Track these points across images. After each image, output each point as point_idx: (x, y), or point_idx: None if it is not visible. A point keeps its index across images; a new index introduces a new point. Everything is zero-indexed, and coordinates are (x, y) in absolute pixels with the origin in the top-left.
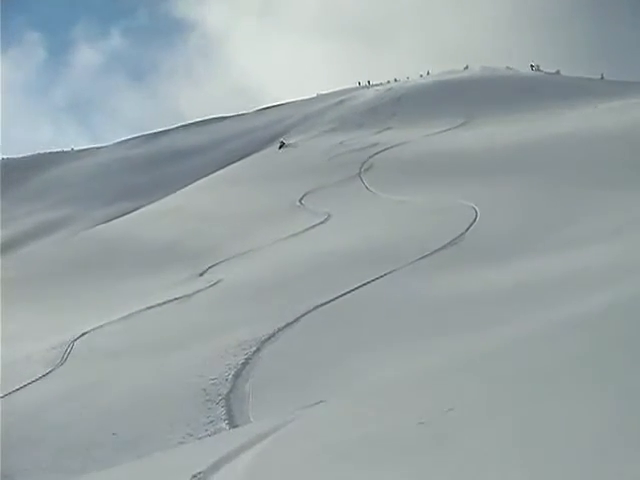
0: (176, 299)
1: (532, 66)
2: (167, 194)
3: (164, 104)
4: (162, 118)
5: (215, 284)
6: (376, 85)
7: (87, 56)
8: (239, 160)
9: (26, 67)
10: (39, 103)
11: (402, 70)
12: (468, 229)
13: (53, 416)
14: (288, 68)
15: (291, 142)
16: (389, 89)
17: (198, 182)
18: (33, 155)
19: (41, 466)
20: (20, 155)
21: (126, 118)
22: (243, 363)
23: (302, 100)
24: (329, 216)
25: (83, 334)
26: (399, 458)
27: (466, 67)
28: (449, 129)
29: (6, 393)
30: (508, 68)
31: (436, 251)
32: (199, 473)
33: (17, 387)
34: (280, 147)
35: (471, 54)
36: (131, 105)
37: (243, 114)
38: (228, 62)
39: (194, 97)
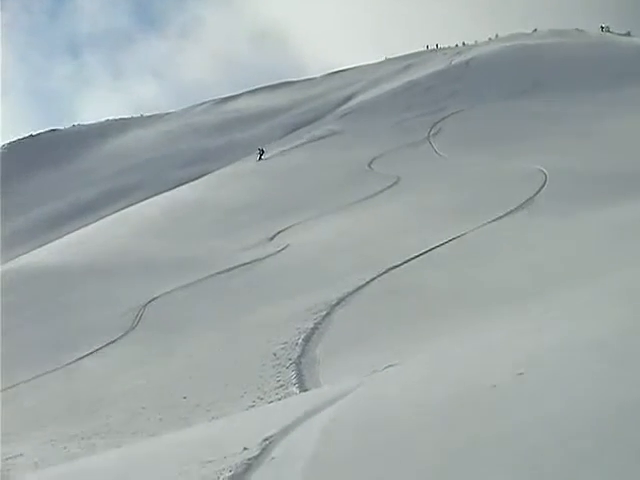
0: (246, 264)
1: (602, 27)
2: (237, 159)
3: (177, 49)
4: (177, 64)
5: (284, 248)
6: (444, 49)
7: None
8: (307, 125)
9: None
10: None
11: (469, 32)
12: (538, 192)
13: (125, 380)
14: (320, 16)
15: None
16: (457, 53)
17: (267, 145)
18: (102, 122)
19: (114, 429)
20: (89, 122)
21: (136, 63)
22: (313, 327)
23: (370, 64)
24: (398, 180)
25: (153, 299)
26: (471, 422)
27: (534, 30)
28: (518, 94)
29: (79, 357)
30: (577, 30)
31: (507, 213)
32: (270, 436)
33: (88, 352)
34: (259, 158)
35: (539, 15)
36: (142, 50)
37: (311, 79)
38: (242, 6)
39: (209, 41)
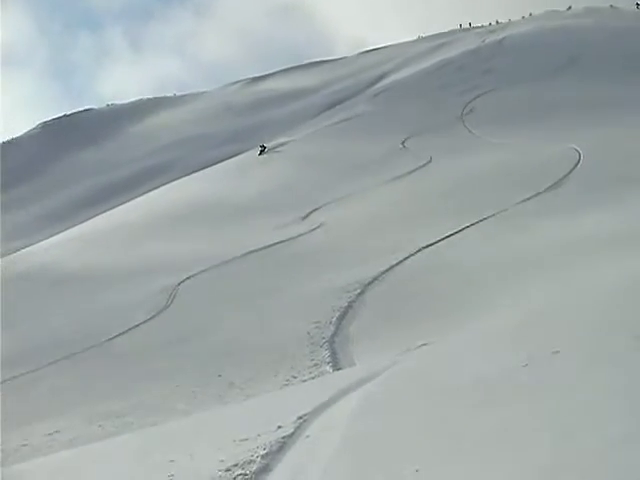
0: (279, 243)
1: (637, 4)
2: (270, 138)
3: (197, 23)
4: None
5: (318, 227)
6: (477, 28)
7: None
8: (340, 104)
9: None
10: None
11: (503, 11)
12: (572, 170)
13: (158, 359)
14: None
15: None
16: (490, 32)
17: (300, 125)
18: (135, 101)
19: (149, 407)
20: (123, 102)
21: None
22: (347, 306)
23: (402, 43)
24: (431, 159)
25: (187, 278)
26: (504, 400)
27: (569, 8)
28: (551, 73)
29: (113, 336)
30: (612, 7)
31: (540, 193)
32: (304, 415)
33: (123, 330)
34: (260, 153)
35: None
36: (162, 24)
37: (344, 57)
38: None
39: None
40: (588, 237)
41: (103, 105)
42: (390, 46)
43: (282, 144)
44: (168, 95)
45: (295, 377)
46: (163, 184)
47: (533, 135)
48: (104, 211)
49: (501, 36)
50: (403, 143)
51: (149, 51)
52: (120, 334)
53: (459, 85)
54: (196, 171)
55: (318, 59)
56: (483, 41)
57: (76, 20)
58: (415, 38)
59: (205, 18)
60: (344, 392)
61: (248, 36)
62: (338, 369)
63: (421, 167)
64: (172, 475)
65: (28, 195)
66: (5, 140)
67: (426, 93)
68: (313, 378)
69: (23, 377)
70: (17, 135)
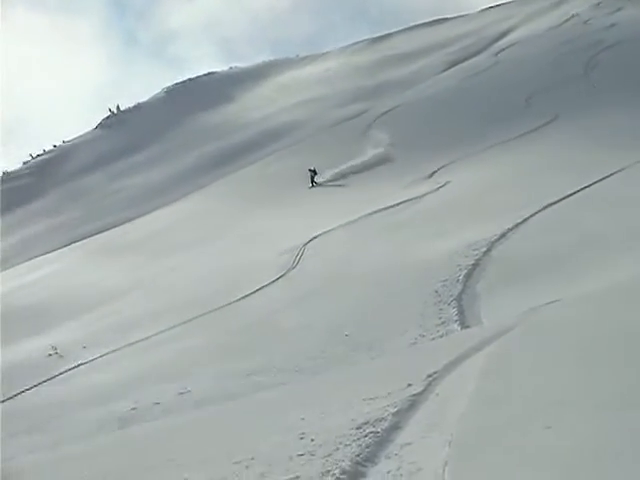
0: (406, 201)
1: None
2: (393, 96)
3: None
4: None
5: (443, 186)
6: None
7: None
8: (463, 62)
9: None
10: None
11: None
12: None
13: (286, 319)
14: None
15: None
16: None
17: (423, 83)
18: (258, 64)
19: (277, 367)
20: (245, 65)
21: None
22: (474, 264)
23: None
24: (557, 115)
25: (314, 238)
26: (631, 359)
27: None
28: None
29: (242, 296)
30: None
31: None
32: (434, 373)
33: (251, 291)
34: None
35: None
36: None
37: (465, 15)
38: None
39: None
40: None
41: (226, 68)
42: (512, 2)
43: (389, 111)
44: (291, 57)
45: (423, 335)
46: (291, 144)
47: None
48: (228, 173)
49: None
50: (527, 100)
51: None
52: (247, 295)
53: (583, 40)
54: (323, 130)
55: (440, 17)
56: None
57: None
58: None
59: None
60: (472, 350)
61: None
62: (466, 327)
63: (546, 124)
64: (304, 433)
65: (156, 157)
66: (132, 105)
67: (550, 49)
68: (441, 336)
69: (153, 337)
70: (142, 100)
